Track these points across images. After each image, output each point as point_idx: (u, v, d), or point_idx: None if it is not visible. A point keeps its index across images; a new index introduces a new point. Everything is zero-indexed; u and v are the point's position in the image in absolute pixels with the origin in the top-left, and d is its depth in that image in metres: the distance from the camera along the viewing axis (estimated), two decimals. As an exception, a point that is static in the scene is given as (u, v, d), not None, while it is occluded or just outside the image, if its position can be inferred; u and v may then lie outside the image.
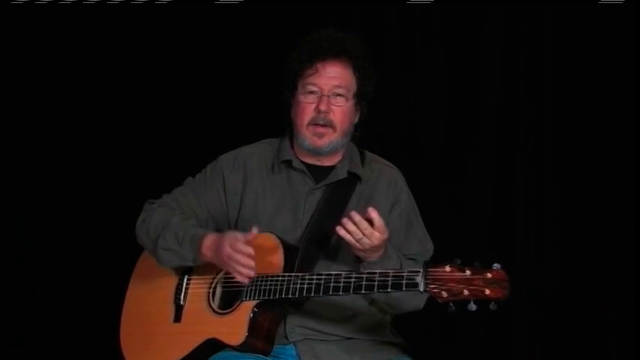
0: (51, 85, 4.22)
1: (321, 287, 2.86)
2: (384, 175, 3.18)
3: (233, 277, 2.98)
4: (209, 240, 3.00)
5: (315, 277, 2.88)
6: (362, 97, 3.13)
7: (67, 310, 4.23)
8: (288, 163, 3.15)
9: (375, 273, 2.80)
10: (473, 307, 2.65)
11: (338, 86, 3.06)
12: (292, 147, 3.16)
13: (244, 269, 2.91)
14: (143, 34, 4.18)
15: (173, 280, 3.14)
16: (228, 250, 2.92)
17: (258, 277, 2.96)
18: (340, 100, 3.08)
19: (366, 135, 3.78)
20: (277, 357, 3.03)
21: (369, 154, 3.24)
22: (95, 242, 4.21)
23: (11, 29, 4.17)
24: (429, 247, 3.16)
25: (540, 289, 3.91)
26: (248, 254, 2.90)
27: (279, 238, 3.00)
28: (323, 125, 3.07)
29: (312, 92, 3.07)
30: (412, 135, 4.07)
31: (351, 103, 3.10)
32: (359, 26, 4.09)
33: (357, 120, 3.16)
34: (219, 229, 3.14)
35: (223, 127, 4.07)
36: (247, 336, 2.93)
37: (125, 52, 4.20)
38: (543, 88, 3.92)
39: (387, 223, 3.07)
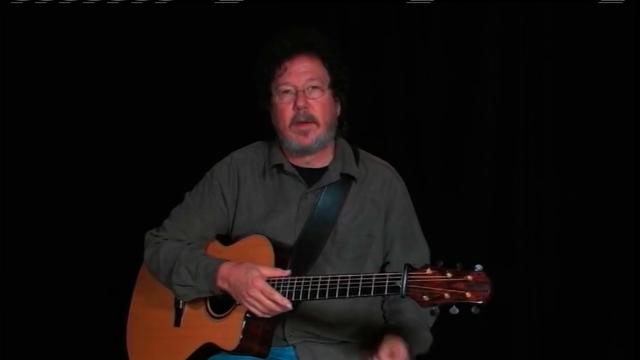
0: (51, 85, 4.22)
1: (309, 291, 2.85)
2: (379, 175, 3.14)
3: None
4: (224, 271, 2.97)
5: (302, 281, 2.87)
6: (338, 88, 3.09)
7: (71, 313, 4.23)
8: (280, 168, 3.12)
9: (359, 276, 2.78)
10: (455, 310, 2.61)
11: (311, 79, 3.04)
12: (282, 151, 3.14)
13: (266, 313, 2.91)
14: (143, 34, 4.18)
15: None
16: (258, 295, 2.89)
17: None
18: (317, 93, 3.05)
19: (365, 134, 3.80)
20: (276, 359, 3.02)
21: (363, 153, 3.20)
22: (97, 243, 4.21)
23: (11, 29, 4.17)
24: (426, 250, 3.14)
25: (540, 289, 3.90)
26: (284, 307, 2.89)
27: (271, 240, 2.99)
28: (305, 122, 3.03)
29: (286, 92, 3.04)
30: (412, 134, 4.06)
31: (328, 94, 3.07)
32: (359, 26, 4.09)
33: (339, 113, 3.13)
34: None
35: (223, 126, 4.06)
36: (241, 340, 2.93)
37: (125, 52, 4.19)
38: (543, 87, 3.91)
39: (385, 230, 3.09)
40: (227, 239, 3.16)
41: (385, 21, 4.08)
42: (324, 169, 3.12)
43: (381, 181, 3.14)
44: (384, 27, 4.08)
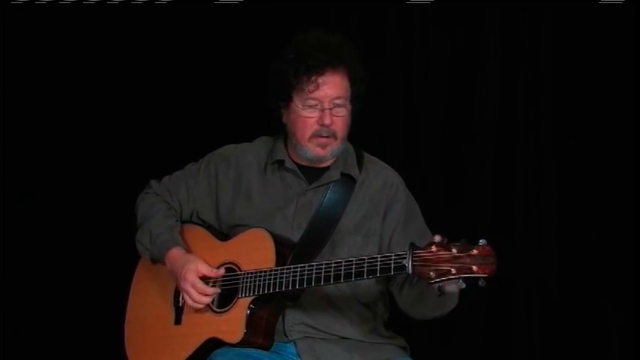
0: (51, 85, 4.22)
1: (313, 278, 2.87)
2: (380, 176, 3.16)
3: (230, 277, 3.03)
4: (172, 255, 3.11)
5: (306, 268, 2.89)
6: (356, 99, 3.11)
7: (70, 313, 4.23)
8: (281, 163, 3.15)
9: (364, 259, 2.80)
10: (462, 285, 2.63)
11: (337, 97, 3.04)
12: (286, 147, 3.16)
13: (195, 304, 3.05)
14: (143, 34, 4.18)
15: (171, 283, 3.14)
16: (187, 285, 3.03)
17: (252, 273, 2.98)
18: (340, 111, 3.06)
19: (365, 135, 3.79)
20: (278, 353, 3.03)
21: (367, 156, 3.22)
22: (96, 243, 4.21)
23: (11, 29, 4.17)
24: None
25: (541, 286, 3.91)
26: (207, 295, 3.03)
27: (271, 233, 3.01)
28: (326, 137, 3.06)
29: (311, 106, 3.05)
30: (412, 134, 4.07)
31: (348, 108, 3.09)
32: (359, 26, 4.10)
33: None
34: (204, 221, 3.23)
35: (223, 126, 4.06)
36: (245, 333, 2.94)
37: (125, 52, 4.20)
38: (543, 87, 3.91)
39: (383, 227, 3.10)
40: (223, 235, 3.18)
41: (385, 21, 4.08)
42: (324, 169, 3.14)
43: (382, 182, 3.16)
44: (384, 27, 4.08)
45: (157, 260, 3.16)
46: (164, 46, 4.18)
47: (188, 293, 3.03)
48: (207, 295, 3.02)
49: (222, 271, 3.04)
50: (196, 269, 3.03)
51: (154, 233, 3.15)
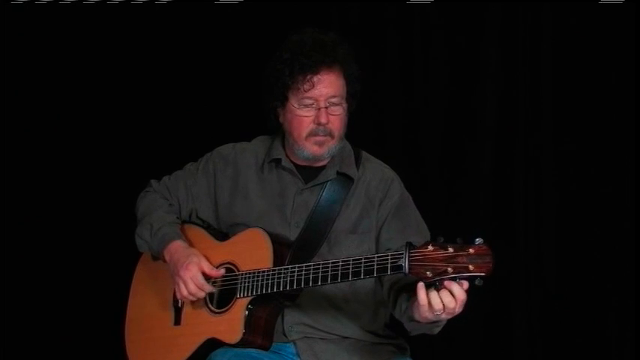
0: (51, 85, 4.22)
1: (310, 278, 2.87)
2: (377, 174, 3.17)
3: (229, 277, 3.04)
4: (173, 246, 3.11)
5: (303, 268, 2.89)
6: (351, 97, 3.12)
7: (70, 313, 4.23)
8: (278, 162, 3.16)
9: (361, 259, 2.79)
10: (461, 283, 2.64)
11: (333, 96, 3.05)
12: (283, 146, 3.17)
13: (188, 296, 3.05)
14: (143, 34, 4.18)
15: (171, 284, 3.14)
16: (187, 275, 3.02)
17: (250, 274, 2.99)
18: (337, 109, 3.07)
19: (365, 135, 3.80)
20: (278, 353, 3.04)
21: (365, 155, 3.23)
22: (97, 243, 4.21)
23: (11, 29, 4.17)
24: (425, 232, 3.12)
25: (540, 282, 3.91)
26: (203, 290, 3.04)
27: (269, 234, 3.02)
28: (323, 136, 3.07)
29: (307, 105, 3.06)
30: (412, 134, 4.06)
31: (344, 106, 3.10)
32: (359, 26, 4.10)
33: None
34: (204, 220, 3.24)
35: (223, 126, 4.06)
36: (244, 333, 2.95)
37: (125, 52, 4.20)
38: (543, 87, 3.91)
39: (376, 221, 3.11)
40: (222, 235, 3.19)
41: (385, 21, 4.08)
42: (321, 168, 3.15)
43: (378, 180, 3.16)
44: (384, 27, 4.08)
45: (155, 254, 3.16)
46: (164, 46, 4.19)
47: (185, 283, 3.02)
48: (203, 290, 3.02)
49: (222, 271, 3.04)
50: (199, 263, 3.03)
51: (155, 226, 3.15)
